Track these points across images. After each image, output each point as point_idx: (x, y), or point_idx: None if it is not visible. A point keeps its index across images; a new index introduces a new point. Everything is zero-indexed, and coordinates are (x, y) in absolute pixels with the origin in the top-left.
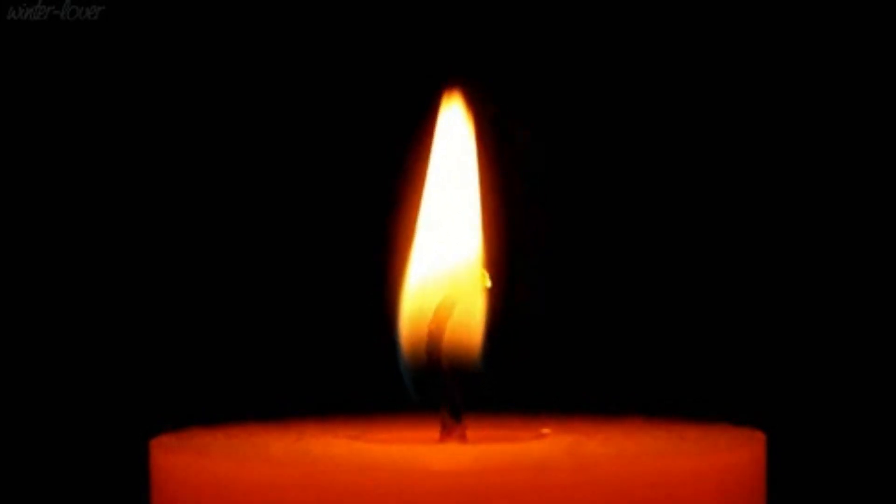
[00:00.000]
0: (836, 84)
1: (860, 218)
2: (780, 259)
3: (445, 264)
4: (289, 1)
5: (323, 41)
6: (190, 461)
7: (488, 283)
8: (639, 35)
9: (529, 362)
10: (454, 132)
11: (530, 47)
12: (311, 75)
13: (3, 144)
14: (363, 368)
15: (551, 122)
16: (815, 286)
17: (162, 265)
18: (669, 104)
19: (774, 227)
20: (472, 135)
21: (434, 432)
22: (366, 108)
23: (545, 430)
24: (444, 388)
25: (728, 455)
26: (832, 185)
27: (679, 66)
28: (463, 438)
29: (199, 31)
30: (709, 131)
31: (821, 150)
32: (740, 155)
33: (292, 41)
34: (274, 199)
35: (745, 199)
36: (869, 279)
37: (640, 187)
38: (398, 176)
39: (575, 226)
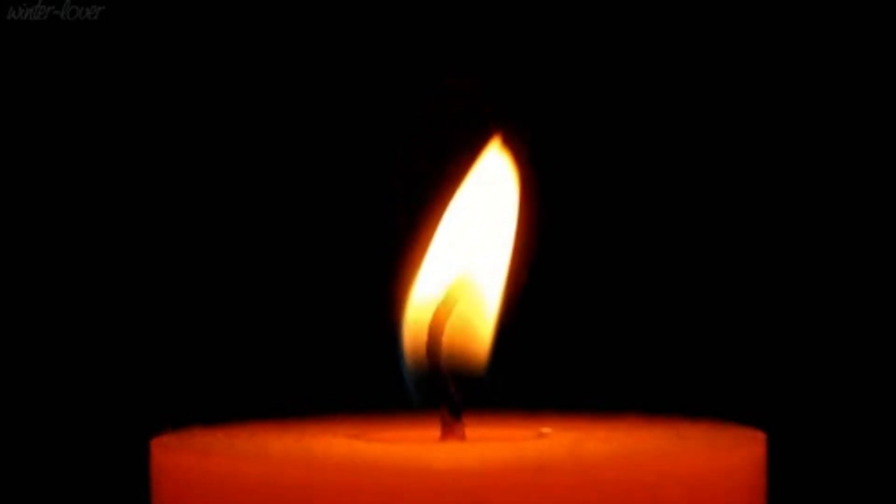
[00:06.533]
0: (837, 84)
1: (860, 218)
2: (779, 259)
3: (453, 270)
4: (293, 1)
5: (341, 46)
6: (190, 461)
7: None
8: (638, 41)
9: (530, 360)
10: (493, 161)
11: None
12: (315, 75)
13: (4, 144)
14: (364, 367)
15: (552, 122)
16: (815, 286)
17: (162, 265)
18: (670, 105)
19: (774, 227)
20: (511, 164)
21: (434, 431)
22: (382, 109)
23: (545, 429)
24: (443, 387)
25: (728, 455)
26: (832, 185)
27: (679, 68)
28: (463, 437)
29: (200, 31)
30: (709, 132)
31: (821, 150)
32: (740, 155)
33: (298, 40)
34: (276, 198)
35: (745, 199)
36: (869, 279)
37: (640, 187)
38: (405, 182)
39: (576, 225)
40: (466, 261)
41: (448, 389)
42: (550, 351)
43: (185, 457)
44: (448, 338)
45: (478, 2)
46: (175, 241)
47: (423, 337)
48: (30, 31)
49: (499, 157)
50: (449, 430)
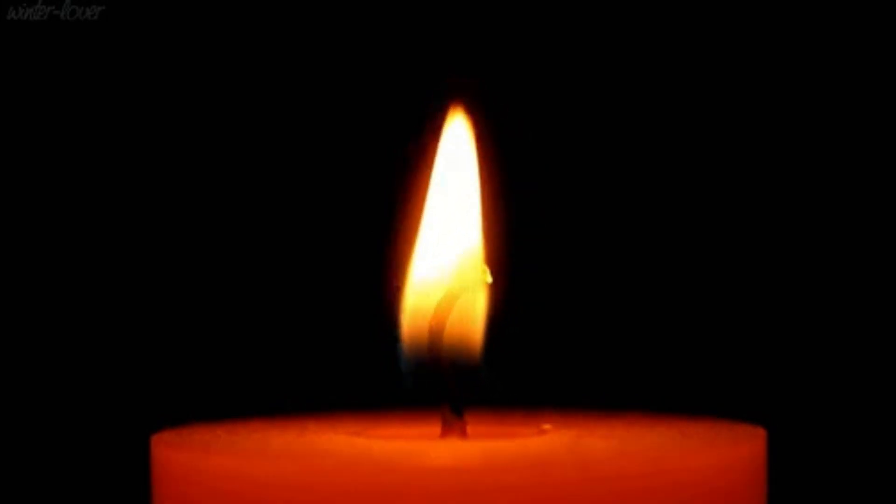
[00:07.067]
0: (837, 84)
1: (860, 218)
2: (779, 258)
3: (447, 261)
4: (291, 1)
5: (327, 41)
6: (191, 457)
7: (489, 279)
8: (638, 35)
9: (530, 358)
10: (459, 133)
11: (533, 48)
12: (314, 74)
13: (4, 144)
14: (364, 364)
15: (550, 121)
16: (815, 285)
17: (162, 264)
18: (669, 104)
19: (774, 227)
20: (475, 136)
21: (435, 428)
22: (370, 105)
23: (546, 426)
24: (444, 384)
25: (729, 451)
26: (832, 185)
27: (679, 66)
28: (464, 434)
29: (200, 31)
30: (708, 131)
31: (821, 150)
32: (740, 155)
33: (294, 41)
34: (275, 196)
35: (745, 199)
36: (869, 279)
37: (640, 186)
38: (401, 173)
39: (576, 222)
40: (456, 248)
41: (449, 387)
42: (551, 348)
43: (185, 453)
44: (447, 331)
45: (477, 2)
46: (174, 241)
47: (421, 323)
48: (30, 31)
49: (461, 129)
50: (450, 428)
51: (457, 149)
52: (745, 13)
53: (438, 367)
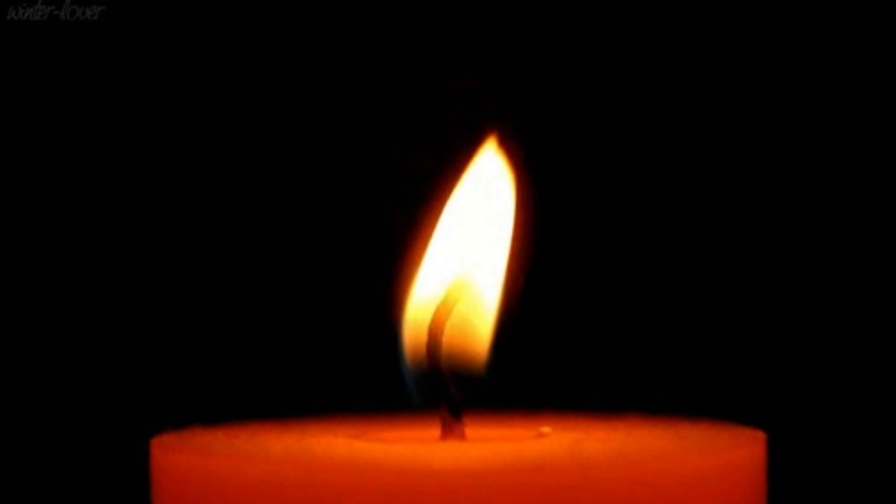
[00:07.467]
0: (837, 84)
1: (860, 218)
2: (779, 258)
3: (452, 269)
4: (293, 1)
5: (338, 47)
6: (190, 460)
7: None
8: (639, 38)
9: (529, 360)
10: (487, 160)
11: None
12: (316, 77)
13: (4, 144)
14: (364, 367)
15: (553, 122)
16: (815, 286)
17: (162, 265)
18: (669, 105)
19: (774, 227)
20: (504, 163)
21: (434, 431)
22: (387, 113)
23: (545, 429)
24: (443, 387)
25: (728, 454)
26: (832, 185)
27: (679, 68)
28: (463, 437)
29: (200, 31)
30: (709, 131)
31: (821, 150)
32: (740, 155)
33: (298, 39)
34: (277, 198)
35: (745, 199)
36: (869, 279)
37: (640, 187)
38: (408, 182)
39: (575, 224)
40: (465, 260)
41: (448, 389)
42: (550, 351)
43: (185, 456)
44: (448, 338)
45: (477, 2)
46: (175, 242)
47: (423, 336)
48: (30, 31)
49: (494, 156)
50: (449, 430)
51: (486, 176)
52: (755, 18)
53: (437, 369)
